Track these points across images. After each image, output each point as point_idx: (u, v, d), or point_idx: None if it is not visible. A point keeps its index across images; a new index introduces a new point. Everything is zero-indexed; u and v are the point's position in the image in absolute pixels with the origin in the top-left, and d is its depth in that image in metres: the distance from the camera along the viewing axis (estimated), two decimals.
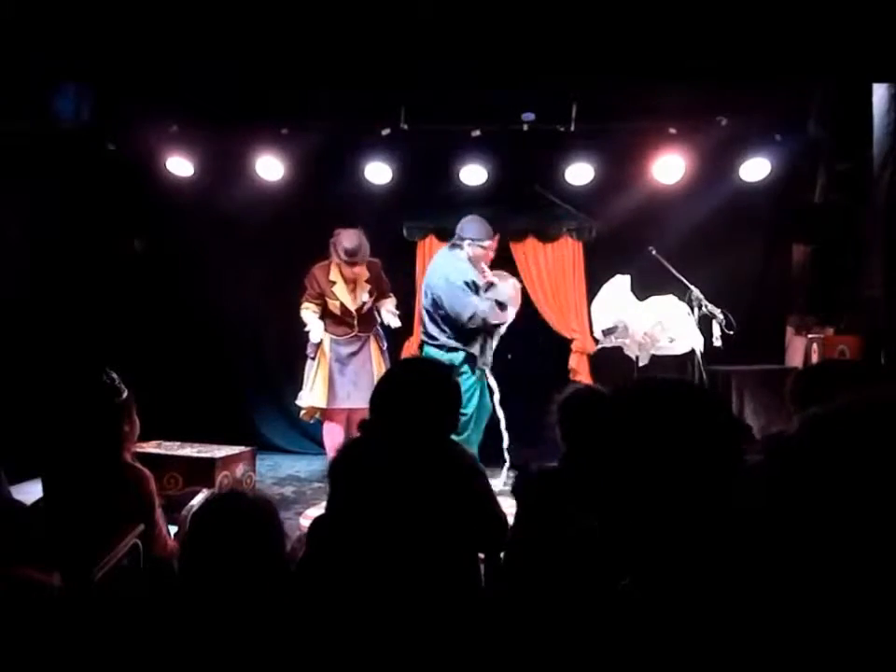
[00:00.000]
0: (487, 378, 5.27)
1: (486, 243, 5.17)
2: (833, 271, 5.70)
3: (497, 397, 5.30)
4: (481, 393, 5.20)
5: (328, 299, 5.35)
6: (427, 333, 5.21)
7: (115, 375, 2.92)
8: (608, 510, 1.54)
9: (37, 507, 2.79)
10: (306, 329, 5.36)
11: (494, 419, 5.34)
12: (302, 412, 5.56)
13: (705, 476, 1.16)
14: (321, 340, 5.36)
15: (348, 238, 5.19)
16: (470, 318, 4.96)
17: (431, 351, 5.13)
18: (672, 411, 1.31)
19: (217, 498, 1.86)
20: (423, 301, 5.27)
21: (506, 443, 5.31)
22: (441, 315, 5.07)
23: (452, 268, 5.10)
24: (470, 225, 5.20)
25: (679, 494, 1.19)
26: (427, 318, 5.19)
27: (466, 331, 5.05)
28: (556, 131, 5.83)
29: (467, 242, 5.15)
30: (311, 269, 5.41)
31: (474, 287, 5.07)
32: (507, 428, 5.32)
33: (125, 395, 2.89)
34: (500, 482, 5.02)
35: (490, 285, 5.21)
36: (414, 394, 2.44)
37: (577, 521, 2.14)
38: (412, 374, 2.56)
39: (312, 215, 6.11)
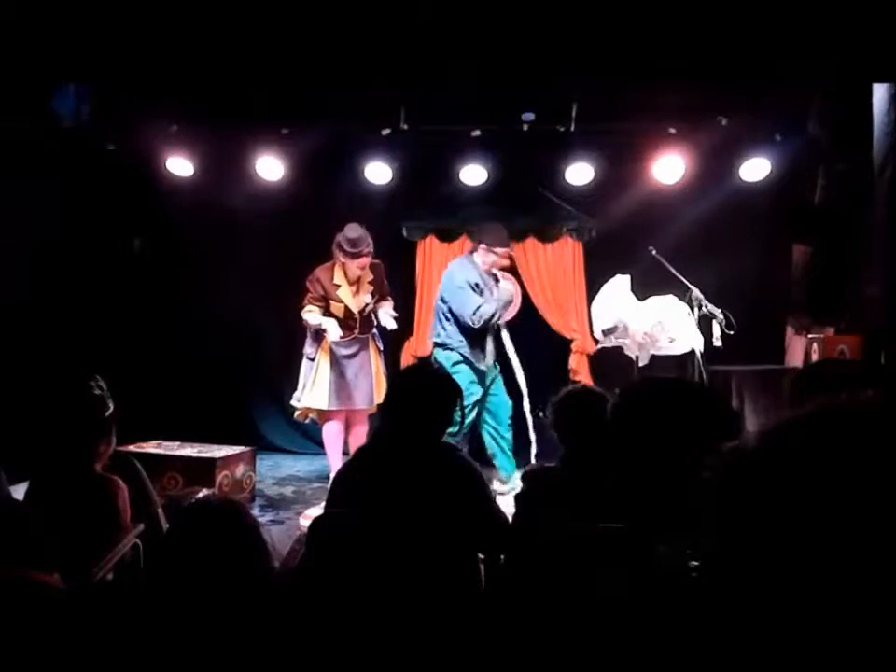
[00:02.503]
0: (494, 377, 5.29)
1: (499, 250, 5.24)
2: (832, 271, 5.69)
3: (525, 400, 5.29)
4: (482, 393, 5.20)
5: (331, 301, 5.31)
6: (435, 331, 5.31)
7: (104, 386, 2.88)
8: (613, 499, 1.56)
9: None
10: (322, 328, 5.25)
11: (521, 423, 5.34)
12: (297, 412, 5.54)
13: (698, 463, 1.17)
14: (322, 340, 5.34)
15: (351, 229, 5.18)
16: (473, 314, 5.03)
17: (436, 350, 5.25)
18: (675, 404, 1.36)
19: (184, 513, 1.85)
20: (435, 303, 5.38)
21: (534, 449, 5.26)
22: (444, 313, 5.18)
23: (457, 269, 5.24)
24: (488, 232, 5.30)
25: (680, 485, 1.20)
26: (434, 317, 5.32)
27: (466, 331, 5.11)
28: (556, 131, 5.83)
29: (481, 246, 5.24)
30: (313, 271, 5.36)
31: (477, 289, 5.14)
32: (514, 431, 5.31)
33: (110, 411, 2.85)
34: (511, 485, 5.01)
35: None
36: (413, 396, 2.51)
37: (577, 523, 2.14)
38: (411, 377, 2.65)
39: (312, 215, 6.11)
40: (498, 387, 5.29)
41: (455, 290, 5.12)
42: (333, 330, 5.23)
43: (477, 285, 5.14)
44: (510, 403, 5.28)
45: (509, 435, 5.24)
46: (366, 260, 5.24)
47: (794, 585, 0.60)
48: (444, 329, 5.18)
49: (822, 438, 0.63)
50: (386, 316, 5.39)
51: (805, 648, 0.60)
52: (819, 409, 0.66)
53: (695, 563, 1.19)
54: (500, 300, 5.16)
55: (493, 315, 5.07)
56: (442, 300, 5.20)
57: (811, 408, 0.67)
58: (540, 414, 4.97)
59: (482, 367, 5.16)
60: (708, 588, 0.98)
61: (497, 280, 5.29)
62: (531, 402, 5.29)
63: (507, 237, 5.33)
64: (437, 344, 5.23)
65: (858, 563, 0.58)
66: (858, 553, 0.58)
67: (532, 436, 5.26)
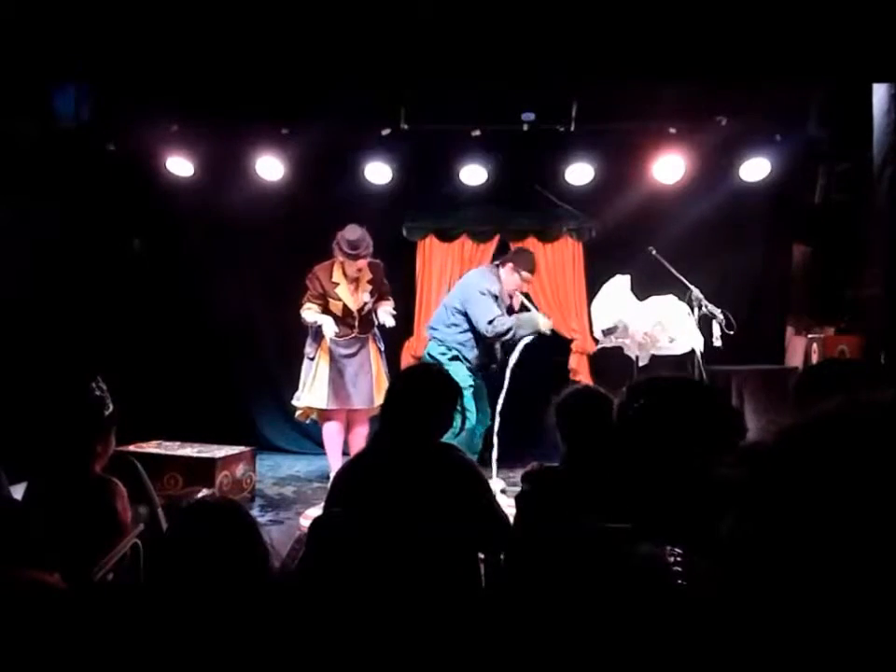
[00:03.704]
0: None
1: (525, 275, 5.29)
2: (833, 271, 5.70)
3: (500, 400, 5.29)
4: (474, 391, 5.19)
5: (330, 299, 5.31)
6: (436, 325, 5.31)
7: (104, 387, 2.88)
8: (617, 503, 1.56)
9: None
10: (316, 325, 5.28)
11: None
12: (298, 412, 5.55)
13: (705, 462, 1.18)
14: (322, 340, 5.34)
15: (350, 230, 5.19)
16: (489, 324, 5.03)
17: (432, 343, 5.28)
18: (684, 403, 1.37)
19: (184, 513, 1.85)
20: (447, 298, 5.42)
21: (496, 453, 5.23)
22: (454, 314, 5.20)
23: (480, 277, 5.29)
24: (522, 257, 5.36)
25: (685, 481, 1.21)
26: (442, 311, 5.32)
27: (477, 337, 5.15)
28: (556, 131, 5.83)
29: (510, 265, 5.26)
30: (313, 269, 5.37)
31: (496, 301, 5.17)
32: (504, 431, 5.28)
33: (109, 412, 2.86)
34: (496, 484, 5.01)
35: (512, 310, 5.33)
36: (413, 397, 2.51)
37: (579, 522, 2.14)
38: (410, 378, 2.66)
39: (312, 215, 6.11)
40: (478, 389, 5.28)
41: (477, 296, 5.13)
42: (329, 327, 5.24)
43: (496, 297, 5.17)
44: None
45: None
46: (363, 262, 5.26)
47: (824, 584, 0.59)
48: (448, 327, 5.21)
49: (851, 434, 0.62)
50: (386, 314, 5.39)
51: (819, 647, 0.60)
52: (844, 405, 0.65)
53: (678, 559, 1.19)
54: (523, 324, 5.12)
55: (507, 332, 5.06)
56: (459, 301, 5.22)
57: (834, 404, 0.66)
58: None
59: (475, 363, 5.19)
60: (691, 590, 0.97)
61: (517, 308, 5.32)
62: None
63: (534, 266, 5.42)
64: (434, 337, 5.28)
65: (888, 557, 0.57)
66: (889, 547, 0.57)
67: (494, 454, 5.19)
